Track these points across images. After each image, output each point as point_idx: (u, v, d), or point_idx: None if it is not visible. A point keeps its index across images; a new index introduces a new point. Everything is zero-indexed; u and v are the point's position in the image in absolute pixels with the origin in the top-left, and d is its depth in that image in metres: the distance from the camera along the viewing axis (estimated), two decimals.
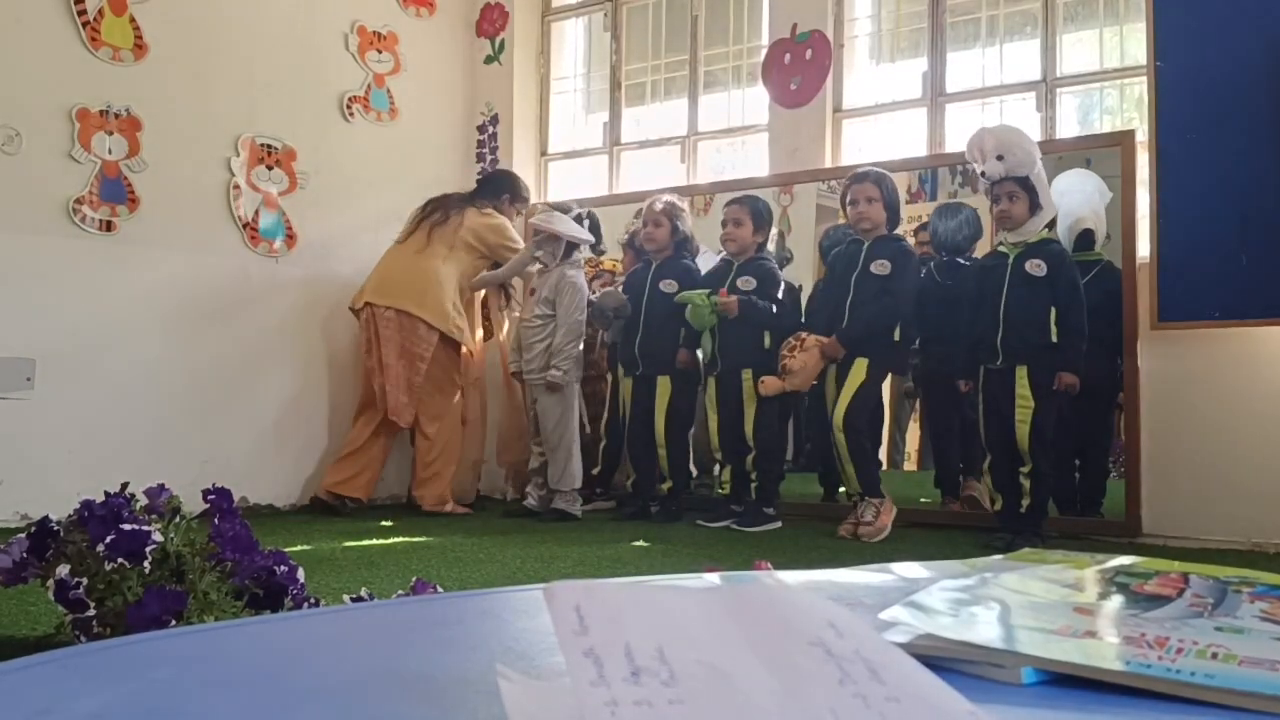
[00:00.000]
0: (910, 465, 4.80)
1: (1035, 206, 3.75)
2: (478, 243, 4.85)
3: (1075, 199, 4.11)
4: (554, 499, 4.60)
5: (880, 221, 4.06)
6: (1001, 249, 3.84)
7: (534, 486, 4.69)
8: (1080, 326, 3.69)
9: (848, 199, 4.11)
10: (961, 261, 4.26)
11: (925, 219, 4.55)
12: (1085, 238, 4.06)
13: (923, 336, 4.20)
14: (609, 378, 4.94)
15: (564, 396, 4.60)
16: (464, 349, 4.87)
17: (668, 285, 4.53)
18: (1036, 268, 3.71)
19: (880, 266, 4.00)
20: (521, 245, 4.88)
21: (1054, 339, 3.69)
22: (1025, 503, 3.73)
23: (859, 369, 4.01)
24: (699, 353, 4.51)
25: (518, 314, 5.01)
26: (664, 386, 4.52)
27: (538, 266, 4.73)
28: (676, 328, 4.45)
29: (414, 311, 4.66)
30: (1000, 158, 3.73)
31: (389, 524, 4.32)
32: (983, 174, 3.79)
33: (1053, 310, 3.69)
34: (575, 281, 4.65)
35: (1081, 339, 3.69)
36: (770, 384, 4.07)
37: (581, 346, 4.65)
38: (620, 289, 4.76)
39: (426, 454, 4.78)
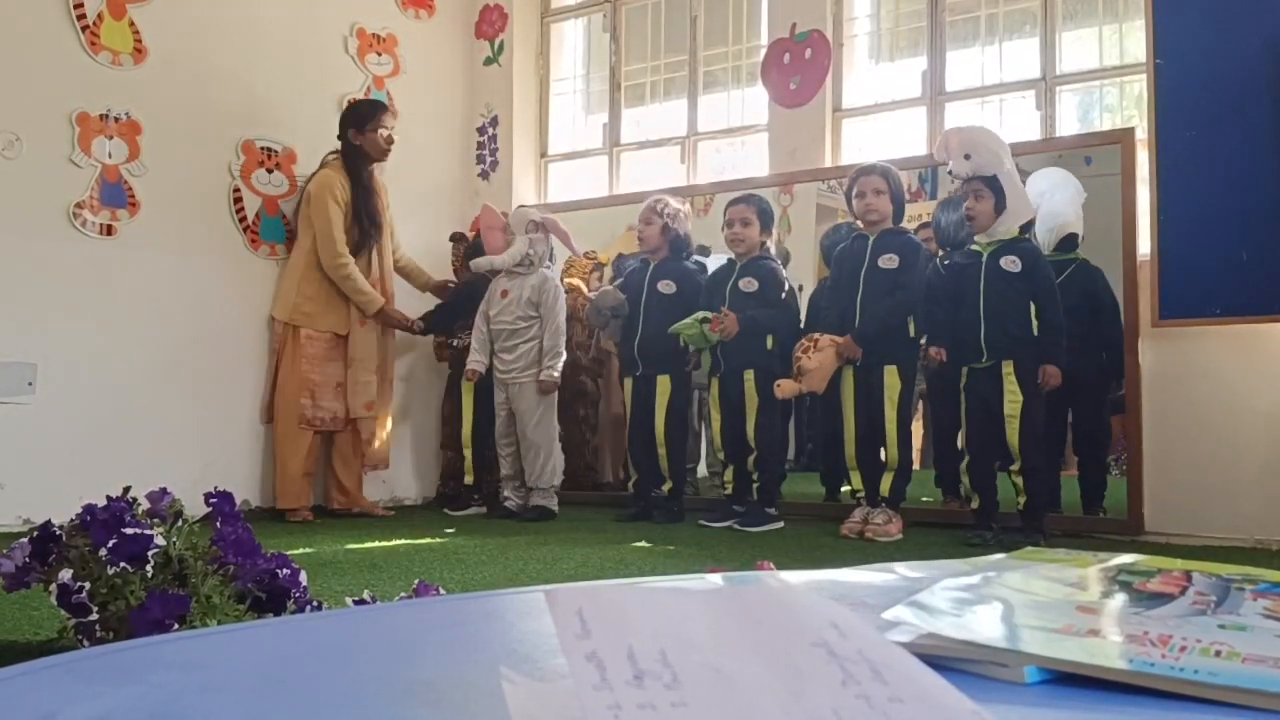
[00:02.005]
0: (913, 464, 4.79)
1: (1001, 207, 3.75)
2: (307, 204, 4.65)
3: (1058, 201, 4.11)
4: (531, 496, 4.65)
5: (887, 214, 4.06)
6: (974, 248, 3.85)
7: (511, 490, 4.74)
8: (1059, 320, 3.70)
9: (854, 191, 4.09)
10: (960, 260, 4.24)
11: (926, 218, 4.54)
12: (1069, 241, 4.06)
13: (928, 332, 4.17)
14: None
15: (547, 396, 4.67)
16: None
17: (665, 286, 4.53)
18: (1011, 263, 3.72)
19: (889, 260, 3.99)
20: (336, 199, 4.57)
21: (1035, 333, 3.70)
22: (1022, 500, 3.73)
23: (891, 378, 3.98)
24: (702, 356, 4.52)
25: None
26: (663, 386, 4.52)
27: (508, 265, 4.75)
28: None
29: (273, 314, 4.68)
30: (967, 156, 3.76)
31: (388, 527, 4.32)
32: (950, 172, 3.80)
33: (1032, 305, 3.71)
34: (557, 283, 4.75)
35: (1061, 333, 3.70)
36: (786, 387, 4.00)
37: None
38: (617, 288, 4.78)
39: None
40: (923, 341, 4.07)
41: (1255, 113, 3.71)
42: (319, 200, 4.58)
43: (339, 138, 4.71)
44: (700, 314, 4.25)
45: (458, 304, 5.01)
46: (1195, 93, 3.81)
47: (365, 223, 4.66)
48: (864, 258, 4.04)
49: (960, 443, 3.95)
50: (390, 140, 4.74)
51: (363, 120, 4.69)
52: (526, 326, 4.66)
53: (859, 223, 4.16)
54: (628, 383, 4.67)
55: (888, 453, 4.00)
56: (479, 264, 4.82)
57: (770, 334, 4.28)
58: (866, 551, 3.60)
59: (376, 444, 4.75)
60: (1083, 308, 3.97)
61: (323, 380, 4.64)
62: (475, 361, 4.75)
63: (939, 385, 4.25)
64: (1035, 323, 3.70)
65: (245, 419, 4.70)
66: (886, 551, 3.62)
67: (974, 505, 3.84)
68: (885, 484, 4.00)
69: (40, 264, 4.12)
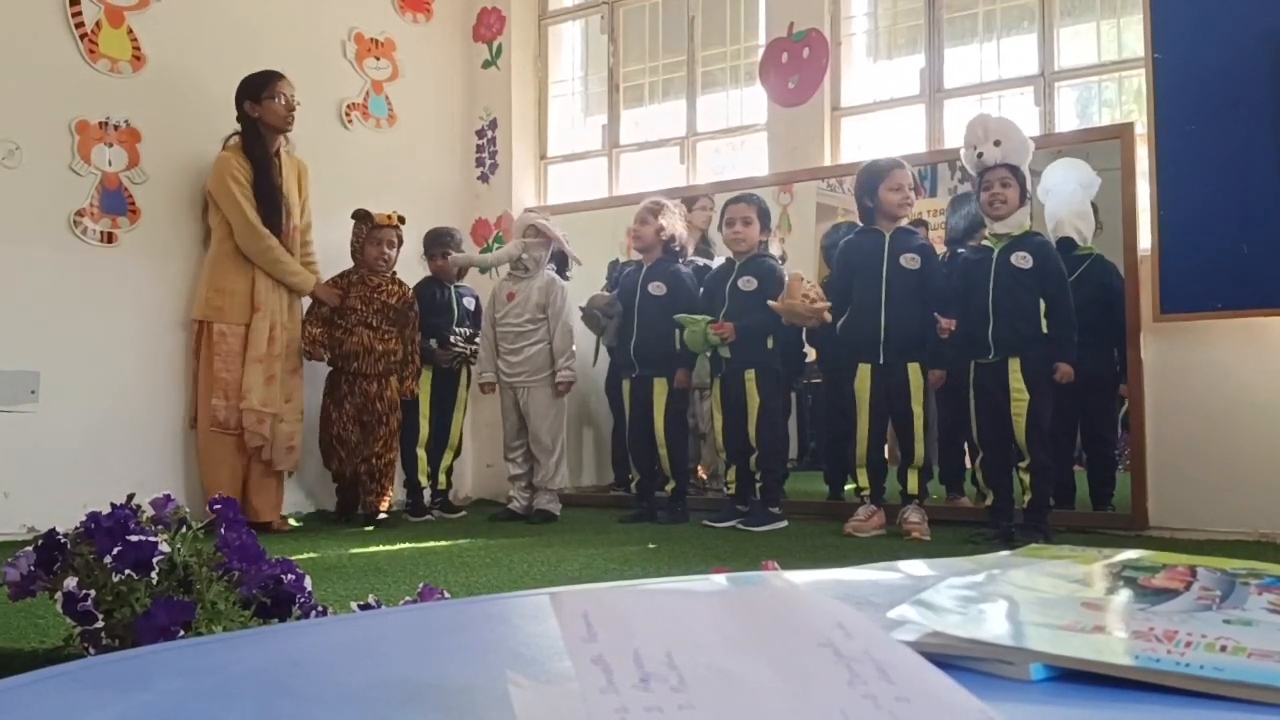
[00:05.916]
0: None
1: (1025, 196, 3.77)
2: (208, 192, 4.39)
3: (1057, 200, 4.12)
4: (536, 498, 4.67)
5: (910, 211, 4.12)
6: (986, 243, 3.85)
7: (517, 490, 4.74)
8: (1070, 316, 3.70)
9: (885, 184, 4.01)
10: (971, 255, 4.23)
11: (924, 215, 4.53)
12: (1065, 244, 4.05)
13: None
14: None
15: (559, 398, 4.68)
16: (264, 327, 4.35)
17: (656, 288, 4.54)
18: (1022, 260, 3.72)
19: (911, 260, 4.00)
20: (238, 180, 4.31)
21: (1044, 330, 3.70)
22: (1027, 498, 3.73)
23: (916, 376, 4.01)
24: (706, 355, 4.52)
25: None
26: (661, 387, 4.53)
27: (506, 269, 4.77)
28: (669, 329, 4.45)
29: (194, 315, 4.39)
30: (998, 143, 3.77)
31: (387, 529, 4.32)
32: (980, 155, 3.80)
33: (1041, 302, 3.71)
34: (563, 283, 4.77)
35: (1072, 328, 3.70)
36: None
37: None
38: (606, 289, 4.82)
39: None
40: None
41: (1255, 106, 3.71)
42: (220, 185, 4.31)
43: (237, 118, 4.43)
44: (707, 318, 4.25)
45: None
46: (1194, 87, 3.80)
47: (266, 205, 4.34)
48: (882, 255, 4.02)
49: (973, 439, 3.93)
50: (291, 107, 4.43)
51: (257, 90, 4.37)
52: (535, 329, 4.68)
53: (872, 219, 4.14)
54: (625, 385, 4.67)
55: (916, 449, 4.00)
56: (457, 259, 4.82)
57: (771, 335, 4.28)
58: (870, 550, 3.60)
59: (262, 445, 4.33)
60: (1097, 302, 3.97)
61: (233, 380, 4.33)
62: (486, 373, 4.75)
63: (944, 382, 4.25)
64: (1045, 320, 3.70)
65: None
66: (890, 550, 3.62)
67: (988, 502, 3.84)
68: (912, 481, 4.00)
69: (42, 272, 4.12)
